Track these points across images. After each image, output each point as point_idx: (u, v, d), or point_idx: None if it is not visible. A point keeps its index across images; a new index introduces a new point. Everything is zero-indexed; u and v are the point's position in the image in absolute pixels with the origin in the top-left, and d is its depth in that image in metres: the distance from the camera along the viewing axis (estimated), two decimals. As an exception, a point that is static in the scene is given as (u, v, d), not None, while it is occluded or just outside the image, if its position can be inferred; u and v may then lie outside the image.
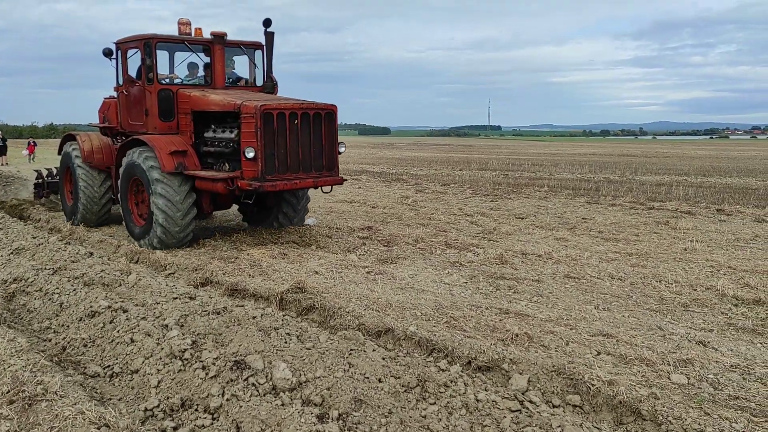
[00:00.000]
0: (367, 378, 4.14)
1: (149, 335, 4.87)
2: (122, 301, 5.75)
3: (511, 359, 4.56)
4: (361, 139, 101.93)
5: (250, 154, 8.67)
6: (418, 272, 8.19)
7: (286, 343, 4.72)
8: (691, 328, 6.04)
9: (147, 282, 6.63)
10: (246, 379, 4.11)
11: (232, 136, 9.34)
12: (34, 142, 37.05)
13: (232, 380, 4.13)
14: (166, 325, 5.06)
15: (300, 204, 11.16)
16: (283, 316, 5.58)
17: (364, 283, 7.51)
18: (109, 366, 4.68)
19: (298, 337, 4.87)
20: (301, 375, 4.15)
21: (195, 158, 9.62)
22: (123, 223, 10.82)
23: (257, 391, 4.02)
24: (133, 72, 10.79)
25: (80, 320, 5.50)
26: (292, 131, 9.04)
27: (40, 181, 14.65)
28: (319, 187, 9.64)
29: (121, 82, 10.92)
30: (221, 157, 9.71)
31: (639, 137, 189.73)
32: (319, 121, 9.36)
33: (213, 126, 9.93)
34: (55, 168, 14.22)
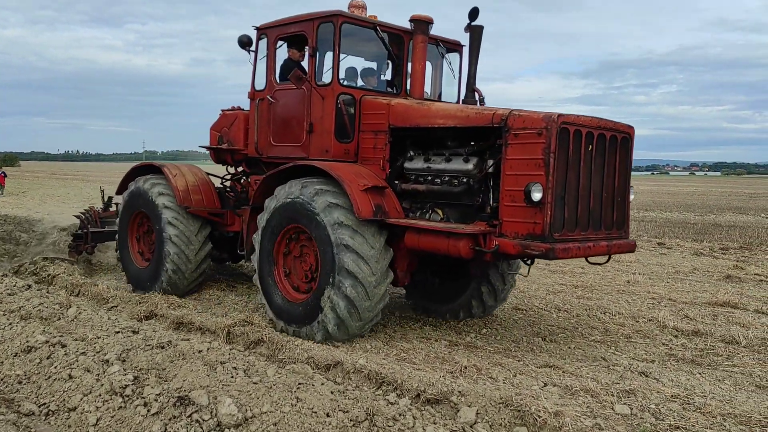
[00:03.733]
0: (315, 413, 4.08)
1: (89, 371, 4.70)
2: (61, 336, 5.54)
3: (459, 392, 4.57)
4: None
5: (537, 195, 5.36)
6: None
7: (232, 377, 4.62)
8: (633, 359, 6.19)
9: (88, 315, 6.42)
10: (189, 416, 4.00)
11: (469, 167, 6.15)
12: (3, 172, 30.96)
13: (174, 417, 4.01)
14: (107, 361, 4.89)
15: (507, 284, 7.53)
16: (230, 349, 5.48)
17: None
18: (45, 404, 4.49)
19: (245, 372, 4.78)
20: (247, 410, 4.07)
21: (395, 199, 6.50)
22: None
23: (201, 427, 3.91)
24: (265, 75, 7.82)
25: (15, 356, 5.26)
26: (586, 162, 5.78)
27: (83, 230, 10.21)
28: (609, 257, 6.24)
29: (260, 86, 7.80)
30: (433, 198, 6.53)
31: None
32: (614, 149, 6.06)
33: (418, 152, 6.83)
34: (91, 210, 10.53)
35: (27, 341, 5.36)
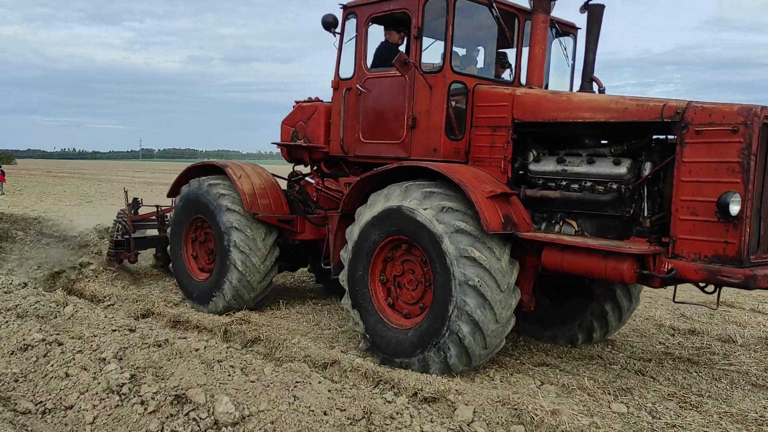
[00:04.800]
0: (313, 411, 4.08)
1: (85, 369, 4.69)
2: (57, 334, 5.52)
3: (456, 390, 4.58)
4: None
5: (735, 208, 4.37)
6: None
7: (229, 375, 4.62)
8: (630, 357, 6.20)
9: (84, 314, 6.40)
10: (187, 414, 3.99)
11: (621, 171, 5.19)
12: (1, 171, 29.76)
13: (171, 415, 4.01)
14: (104, 359, 4.88)
15: (634, 301, 6.53)
16: (227, 348, 5.47)
17: (311, 314, 7.46)
18: (41, 402, 4.47)
19: (242, 370, 4.78)
20: (244, 409, 4.06)
21: (522, 208, 5.49)
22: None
23: (198, 426, 3.91)
24: (351, 60, 6.76)
25: (11, 354, 5.25)
26: None
27: (125, 237, 9.13)
28: None
29: (346, 74, 6.74)
30: (565, 207, 5.57)
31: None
32: None
33: (543, 152, 5.87)
34: (124, 214, 9.48)
35: (23, 339, 5.34)
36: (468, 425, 4.10)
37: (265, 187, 7.44)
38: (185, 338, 5.58)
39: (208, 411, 4.00)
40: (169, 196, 8.51)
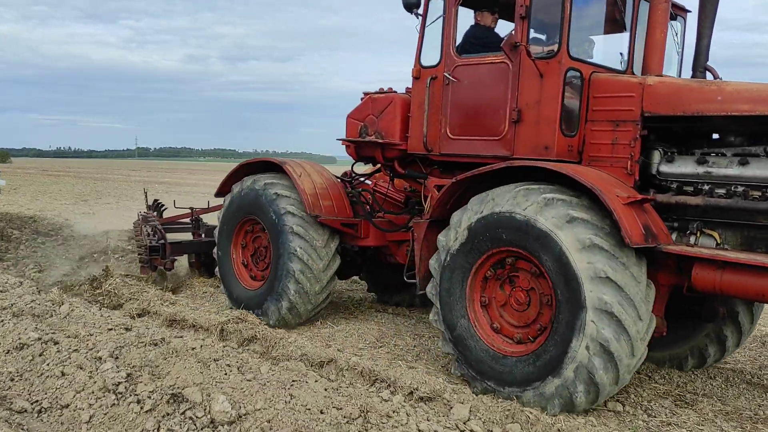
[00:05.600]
0: (309, 409, 4.08)
1: (81, 368, 4.68)
2: (53, 333, 5.51)
3: (452, 389, 4.59)
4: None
5: None
6: (364, 298, 8.18)
7: (226, 374, 4.62)
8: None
9: (80, 313, 6.39)
10: (183, 413, 3.99)
11: None
12: None
13: (168, 414, 4.01)
14: (100, 358, 4.87)
15: (755, 321, 5.82)
16: (224, 346, 5.47)
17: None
18: (37, 401, 4.47)
19: (238, 369, 4.78)
20: (241, 407, 4.06)
21: (657, 217, 4.75)
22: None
23: (195, 425, 3.91)
24: (434, 45, 5.94)
25: (7, 353, 5.24)
26: None
27: (161, 242, 8.39)
28: None
29: (430, 61, 5.99)
30: (706, 215, 4.78)
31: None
32: None
33: (671, 150, 5.17)
34: (151, 215, 9.33)
35: (19, 338, 5.33)
36: (464, 423, 4.11)
37: (326, 186, 6.78)
38: (181, 337, 5.57)
39: (205, 410, 4.00)
40: (217, 195, 7.83)
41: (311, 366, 5.24)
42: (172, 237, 8.79)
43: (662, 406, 4.82)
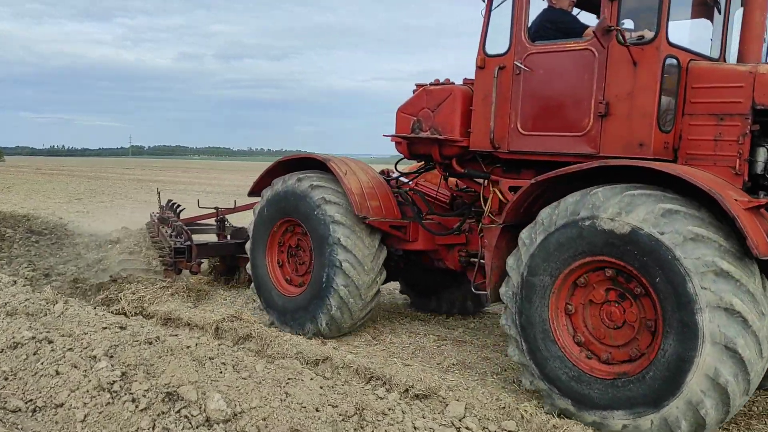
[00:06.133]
0: (304, 407, 4.08)
1: (76, 367, 4.67)
2: (47, 332, 5.50)
3: (448, 386, 4.60)
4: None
5: None
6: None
7: (221, 373, 4.61)
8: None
9: (75, 311, 6.37)
10: (178, 411, 3.98)
11: None
12: None
13: (163, 413, 4.00)
14: (94, 357, 4.86)
15: None
16: (219, 345, 5.46)
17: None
18: (31, 400, 4.45)
19: (233, 367, 4.77)
20: (236, 405, 4.06)
21: None
22: None
23: (190, 423, 3.90)
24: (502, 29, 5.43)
25: (1, 352, 5.22)
26: None
27: (186, 243, 7.96)
28: None
29: (495, 49, 5.48)
30: None
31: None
32: None
33: None
34: (169, 215, 9.06)
35: (13, 337, 5.31)
36: (459, 421, 4.12)
37: (373, 186, 6.28)
38: (176, 335, 5.56)
39: (200, 408, 4.00)
40: (251, 194, 7.32)
41: (307, 364, 5.24)
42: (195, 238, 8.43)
43: (656, 403, 4.85)
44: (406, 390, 4.60)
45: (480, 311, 7.55)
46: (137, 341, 5.21)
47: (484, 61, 5.51)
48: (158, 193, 10.98)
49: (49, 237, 12.11)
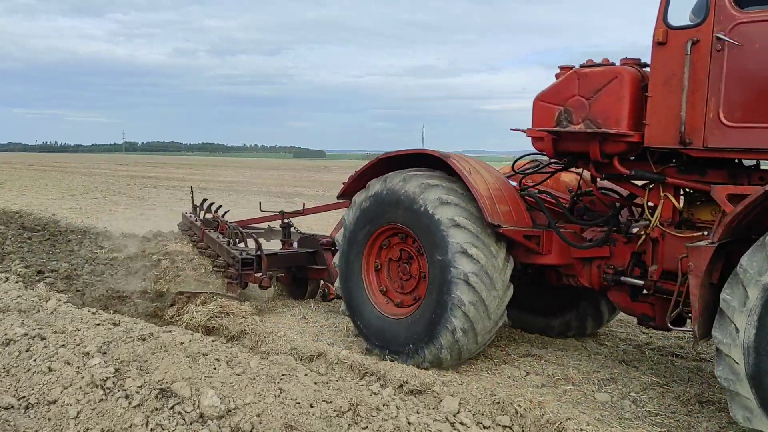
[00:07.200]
0: (299, 403, 4.08)
1: (69, 363, 4.65)
2: (40, 328, 5.47)
3: (442, 382, 4.60)
4: (296, 162, 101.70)
5: None
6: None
7: (215, 369, 4.60)
8: (614, 347, 6.26)
9: (67, 308, 6.34)
10: (172, 408, 3.97)
11: None
12: None
13: (156, 409, 3.99)
14: (87, 353, 4.84)
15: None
16: (213, 341, 5.45)
17: (297, 307, 7.44)
18: (24, 397, 4.43)
19: (227, 363, 4.76)
20: (230, 402, 4.05)
21: None
22: None
23: (183, 419, 3.89)
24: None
25: (-7, 349, 5.20)
26: None
27: (256, 253, 6.94)
28: None
29: (681, 20, 4.49)
30: None
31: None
32: None
33: None
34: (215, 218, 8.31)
35: (5, 334, 5.29)
36: (454, 416, 4.13)
37: (500, 187, 5.29)
38: (170, 332, 5.55)
39: (194, 404, 3.99)
40: (341, 196, 6.27)
41: (301, 360, 5.23)
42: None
43: (650, 397, 4.86)
44: (401, 385, 4.60)
45: (598, 332, 6.58)
46: (130, 338, 5.19)
47: (666, 35, 4.45)
48: (192, 191, 10.18)
49: (42, 233, 12.07)
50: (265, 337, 5.77)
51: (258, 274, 6.76)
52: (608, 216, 5.37)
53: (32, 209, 16.32)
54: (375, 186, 5.62)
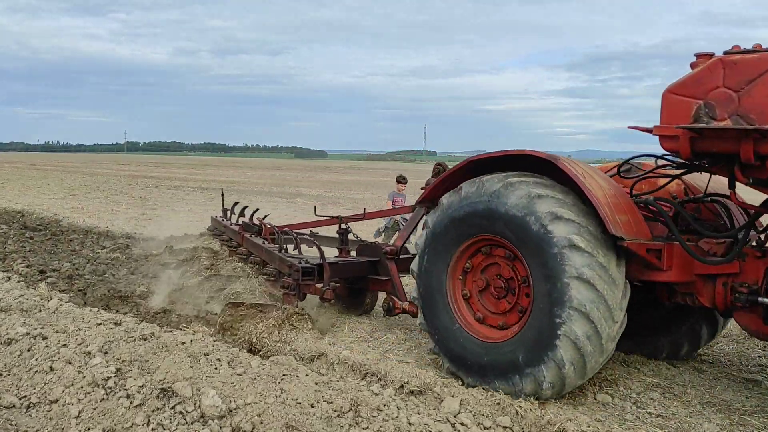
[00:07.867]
0: (300, 403, 4.09)
1: (70, 363, 4.66)
2: (42, 328, 5.48)
3: (443, 383, 4.60)
4: (297, 162, 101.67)
5: None
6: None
7: (216, 369, 4.60)
8: (615, 349, 6.25)
9: (69, 308, 6.35)
10: (173, 407, 3.98)
11: None
12: None
13: (158, 409, 3.99)
14: (89, 353, 4.85)
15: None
16: (214, 341, 5.45)
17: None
18: (25, 396, 4.44)
19: (228, 363, 4.77)
20: (231, 402, 4.06)
21: None
22: None
23: (185, 419, 3.90)
24: None
25: (-5, 348, 5.21)
26: None
27: (319, 262, 6.33)
28: None
29: None
30: None
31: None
32: None
33: None
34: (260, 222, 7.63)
35: (7, 333, 5.30)
36: (454, 417, 4.13)
37: (615, 194, 4.63)
38: (171, 332, 5.55)
39: (195, 404, 3.99)
40: (422, 203, 5.65)
41: (302, 360, 5.24)
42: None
43: (651, 398, 4.86)
44: (402, 386, 4.61)
45: (693, 356, 5.94)
46: (132, 337, 5.20)
47: None
48: (222, 193, 9.75)
49: (44, 233, 12.09)
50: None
51: (319, 285, 6.18)
52: (741, 226, 4.76)
53: (34, 209, 16.36)
54: (468, 189, 4.95)
